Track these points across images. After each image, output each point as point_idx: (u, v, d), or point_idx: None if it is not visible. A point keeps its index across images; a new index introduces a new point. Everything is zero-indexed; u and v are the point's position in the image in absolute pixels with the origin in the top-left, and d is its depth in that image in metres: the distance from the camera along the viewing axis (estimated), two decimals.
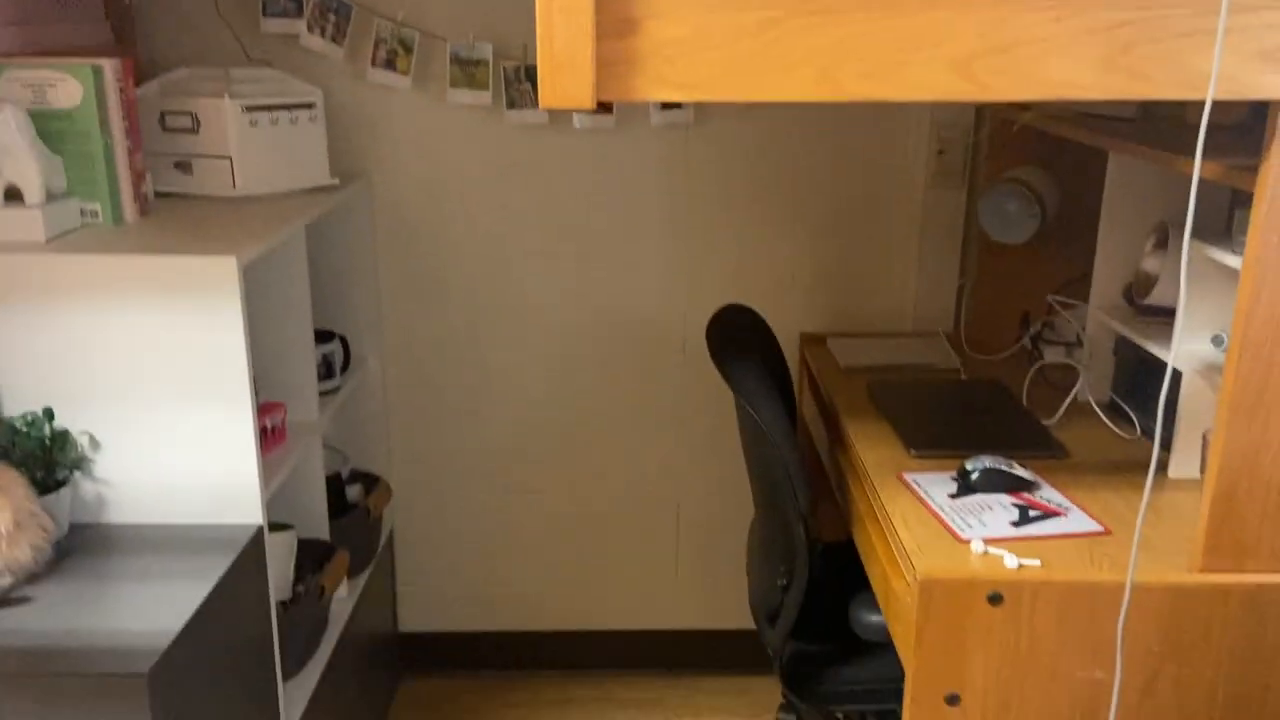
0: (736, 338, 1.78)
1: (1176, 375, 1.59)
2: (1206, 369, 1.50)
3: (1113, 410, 1.79)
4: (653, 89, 1.07)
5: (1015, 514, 1.44)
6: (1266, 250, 1.16)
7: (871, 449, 1.66)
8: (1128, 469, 1.59)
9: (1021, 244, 2.02)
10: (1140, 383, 1.73)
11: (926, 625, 1.27)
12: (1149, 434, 1.70)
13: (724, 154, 2.19)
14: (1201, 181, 1.76)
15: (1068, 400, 1.79)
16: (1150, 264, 1.67)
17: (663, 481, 2.38)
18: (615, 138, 2.18)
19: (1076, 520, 1.42)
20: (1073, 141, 2.00)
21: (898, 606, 1.38)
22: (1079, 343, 2.00)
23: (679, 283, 2.26)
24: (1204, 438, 1.32)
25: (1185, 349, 1.55)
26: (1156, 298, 1.63)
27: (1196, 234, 1.60)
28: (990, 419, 1.77)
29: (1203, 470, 1.32)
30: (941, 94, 1.08)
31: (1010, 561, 1.31)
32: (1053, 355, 2.04)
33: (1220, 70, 1.06)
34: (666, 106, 2.14)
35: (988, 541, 1.36)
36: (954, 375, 1.99)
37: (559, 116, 2.15)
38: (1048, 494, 1.50)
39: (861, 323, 2.28)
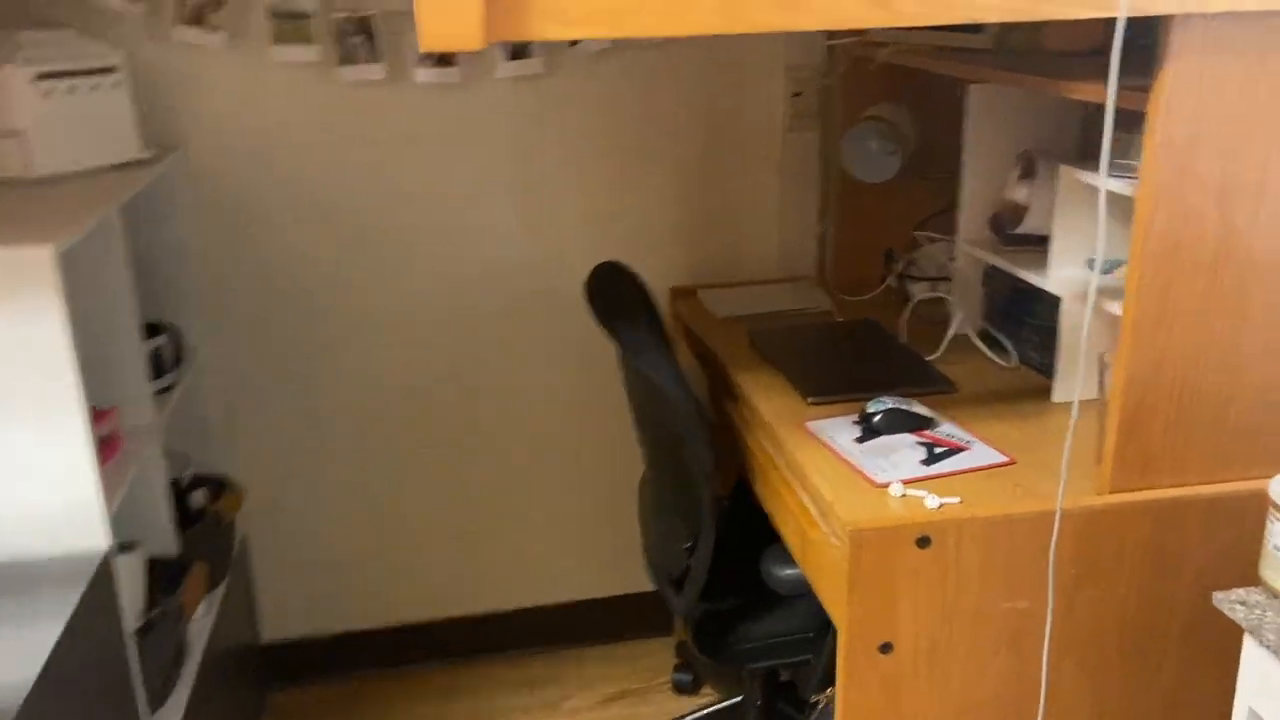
0: (618, 296, 1.69)
1: (1055, 301, 1.62)
2: (1083, 294, 1.52)
3: (988, 340, 1.82)
4: (547, 26, 0.97)
5: (923, 453, 1.43)
6: (1161, 170, 1.16)
7: (767, 400, 1.62)
8: (1013, 397, 1.61)
9: (883, 182, 2.02)
10: (1013, 312, 1.76)
11: (859, 576, 1.24)
12: (1026, 361, 1.73)
13: (578, 105, 2.09)
14: (1061, 107, 1.79)
15: (948, 335, 1.80)
16: (1018, 194, 1.68)
17: (531, 453, 2.29)
18: (461, 92, 2.03)
19: (981, 453, 1.42)
20: (930, 76, 2.00)
21: (819, 559, 1.35)
22: (944, 276, 2.02)
23: (539, 242, 2.16)
24: (1101, 360, 1.34)
25: (1060, 274, 1.57)
26: (1029, 226, 1.65)
27: (1063, 159, 1.62)
28: (875, 360, 1.76)
29: (1102, 392, 1.33)
30: (852, 20, 1.02)
31: (931, 502, 1.29)
32: (920, 290, 2.06)
33: None
34: (515, 56, 2.01)
35: (904, 483, 1.34)
36: (829, 317, 1.97)
37: (399, 72, 1.99)
38: (948, 429, 1.50)
39: (729, 272, 2.24)
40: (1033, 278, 1.62)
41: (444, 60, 1.98)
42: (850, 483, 1.35)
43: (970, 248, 1.80)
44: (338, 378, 2.16)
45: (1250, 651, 1.09)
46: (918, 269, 2.08)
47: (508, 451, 2.27)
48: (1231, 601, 1.10)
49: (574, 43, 2.03)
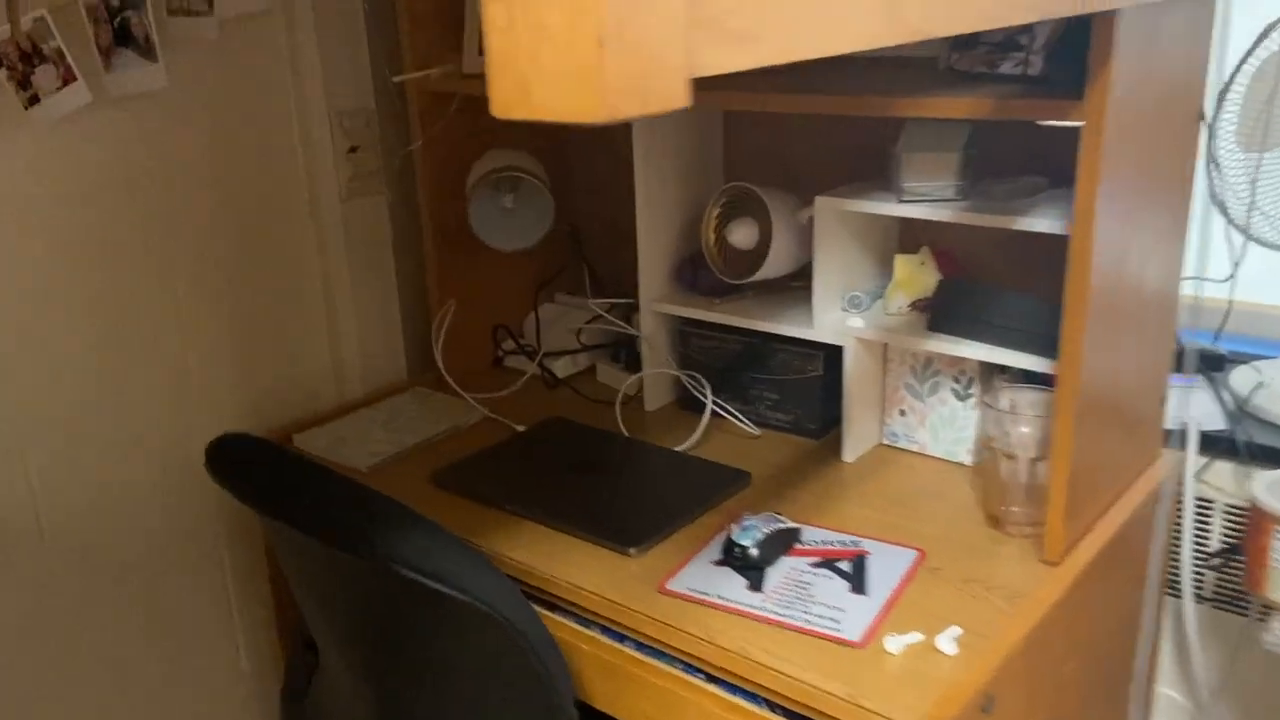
0: (318, 491, 1.07)
1: (794, 352, 1.42)
2: (868, 338, 1.34)
3: (710, 409, 1.54)
4: (716, 48, 0.46)
5: (836, 578, 1.12)
6: (1103, 197, 1.01)
7: (580, 574, 1.15)
8: (804, 469, 1.37)
9: (492, 252, 1.61)
10: (741, 371, 1.50)
11: None
12: (767, 424, 1.49)
13: (29, 204, 1.30)
14: (705, 125, 1.56)
15: (704, 419, 1.48)
16: (738, 236, 1.43)
17: None
18: None
19: (889, 555, 1.16)
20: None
21: None
22: (584, 347, 1.70)
23: (38, 443, 1.32)
24: (985, 405, 1.17)
25: (827, 320, 1.37)
26: (770, 271, 1.41)
27: (784, 189, 1.41)
28: (638, 471, 1.37)
29: (991, 451, 1.16)
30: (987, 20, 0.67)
31: (946, 646, 1.00)
32: (564, 369, 1.71)
33: None
34: None
35: (875, 631, 1.02)
36: (507, 430, 1.51)
37: None
38: (819, 535, 1.20)
39: (308, 401, 1.62)
40: (794, 330, 1.39)
41: None
42: (824, 654, 0.99)
43: (666, 306, 1.51)
44: None
45: None
46: (554, 343, 1.72)
47: None
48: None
49: (33, 102, 1.25)
